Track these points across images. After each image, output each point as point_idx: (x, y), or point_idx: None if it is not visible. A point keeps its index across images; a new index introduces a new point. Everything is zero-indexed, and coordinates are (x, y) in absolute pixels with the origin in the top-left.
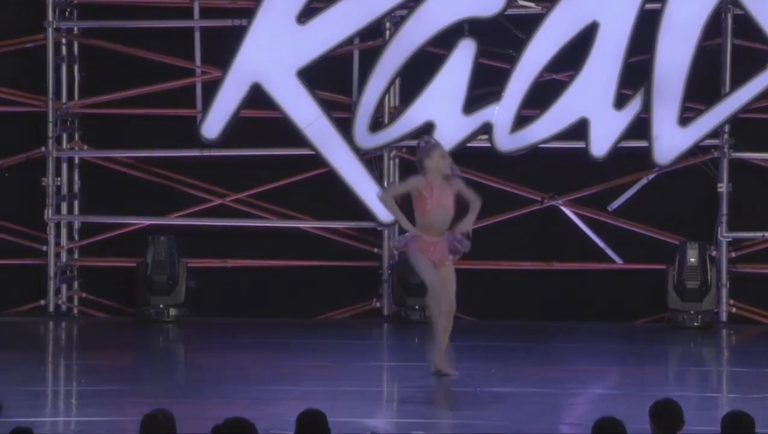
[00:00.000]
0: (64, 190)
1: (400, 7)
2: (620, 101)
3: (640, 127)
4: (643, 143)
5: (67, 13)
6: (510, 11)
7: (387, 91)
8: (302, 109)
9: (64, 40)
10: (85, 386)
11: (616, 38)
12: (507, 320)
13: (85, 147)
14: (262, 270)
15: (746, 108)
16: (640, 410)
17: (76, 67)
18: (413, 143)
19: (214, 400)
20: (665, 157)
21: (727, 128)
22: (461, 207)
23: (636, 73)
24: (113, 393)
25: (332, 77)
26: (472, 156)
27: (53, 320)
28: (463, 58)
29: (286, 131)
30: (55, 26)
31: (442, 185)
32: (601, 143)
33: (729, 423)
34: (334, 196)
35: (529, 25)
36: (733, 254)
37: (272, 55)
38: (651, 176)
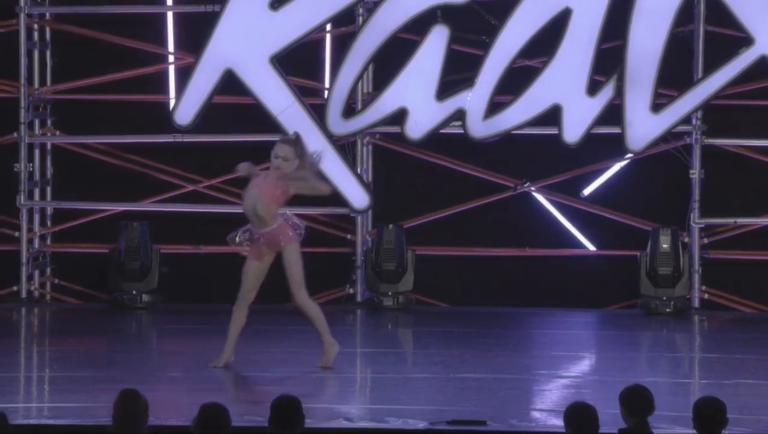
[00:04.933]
0: (37, 176)
1: None
2: (593, 87)
3: (613, 113)
4: (615, 129)
5: None
6: None
7: (360, 77)
8: (275, 95)
9: (36, 26)
10: (57, 372)
11: (588, 24)
12: (480, 307)
13: (58, 133)
14: (235, 256)
15: (718, 94)
16: (613, 396)
17: (48, 53)
18: (387, 129)
19: (188, 386)
20: (638, 143)
21: (699, 114)
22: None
23: (609, 60)
24: (86, 379)
25: (305, 63)
26: (446, 142)
27: (26, 306)
28: (436, 44)
29: (260, 117)
30: (27, 12)
31: (270, 175)
32: (574, 129)
33: (701, 409)
34: None
35: (501, 11)
36: (706, 240)
37: (245, 41)
38: (624, 163)
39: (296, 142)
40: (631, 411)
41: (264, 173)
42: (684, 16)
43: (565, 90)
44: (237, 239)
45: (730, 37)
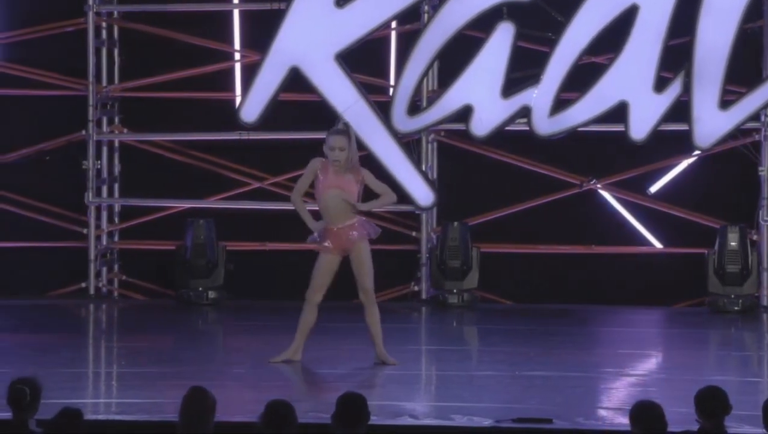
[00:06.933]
0: (105, 173)
1: None
2: (660, 84)
3: (681, 110)
4: (683, 126)
5: None
6: None
7: (425, 74)
8: (340, 92)
9: (104, 24)
10: (125, 368)
11: (656, 21)
12: (546, 304)
13: (125, 130)
14: (299, 253)
15: None
16: (680, 394)
17: (116, 51)
18: (452, 126)
19: (254, 383)
20: (705, 140)
21: None
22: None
23: (676, 56)
24: (153, 375)
25: (370, 61)
26: (511, 139)
27: (94, 302)
28: (501, 41)
29: (325, 115)
30: (95, 10)
31: (340, 171)
32: (640, 126)
33: None
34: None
35: (568, 7)
36: None
37: (311, 39)
38: (691, 160)
39: (347, 130)
40: (704, 413)
41: (328, 171)
42: (753, 12)
43: (632, 87)
44: (318, 239)
45: None
